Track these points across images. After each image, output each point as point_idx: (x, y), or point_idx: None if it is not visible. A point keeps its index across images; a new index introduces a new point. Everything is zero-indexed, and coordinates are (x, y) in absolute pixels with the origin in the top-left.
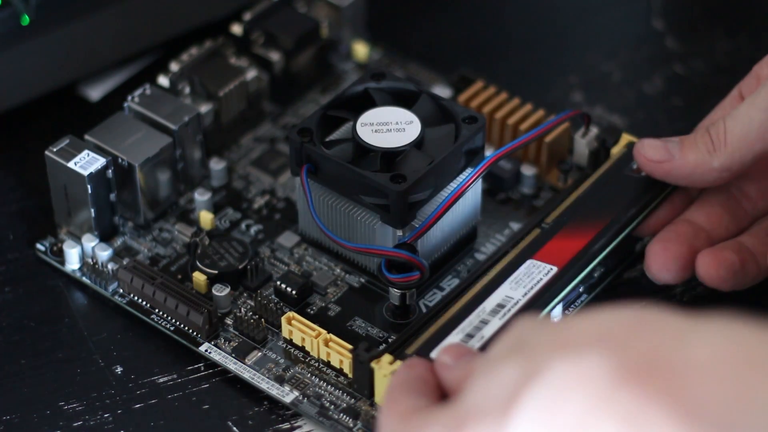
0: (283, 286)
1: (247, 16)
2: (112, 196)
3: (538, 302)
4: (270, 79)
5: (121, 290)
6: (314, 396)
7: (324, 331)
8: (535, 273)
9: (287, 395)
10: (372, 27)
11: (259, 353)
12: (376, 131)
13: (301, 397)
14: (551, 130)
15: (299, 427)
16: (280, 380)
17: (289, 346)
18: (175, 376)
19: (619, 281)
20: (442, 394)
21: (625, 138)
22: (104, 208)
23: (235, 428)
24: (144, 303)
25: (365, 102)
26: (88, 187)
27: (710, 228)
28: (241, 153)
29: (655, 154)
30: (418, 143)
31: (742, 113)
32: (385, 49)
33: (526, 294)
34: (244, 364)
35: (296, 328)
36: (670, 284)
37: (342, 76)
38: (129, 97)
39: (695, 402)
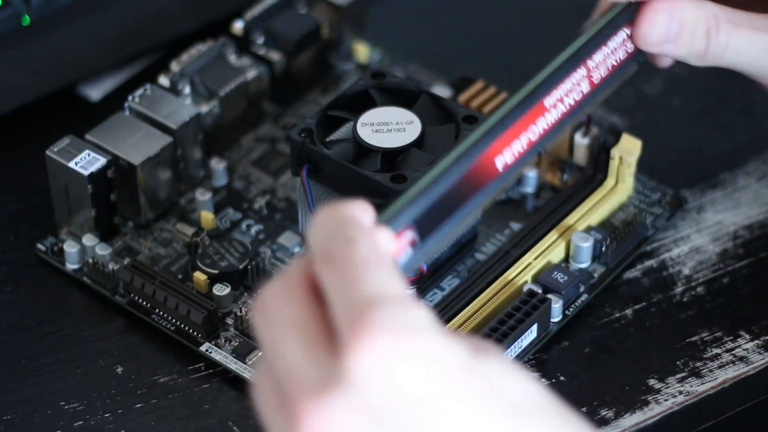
0: None
1: (248, 16)
2: (113, 196)
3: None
4: (271, 79)
5: (122, 290)
6: None
7: None
8: None
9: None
10: (372, 27)
11: (260, 353)
12: (376, 131)
13: None
14: None
15: None
16: None
17: None
18: (175, 376)
19: (619, 281)
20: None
21: (626, 138)
22: (105, 208)
23: (235, 428)
24: (144, 303)
25: (365, 102)
26: (89, 187)
27: None
28: (242, 153)
29: (656, 39)
30: (418, 143)
31: (745, 36)
32: (386, 49)
33: None
34: (245, 364)
35: None
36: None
37: (342, 76)
38: (129, 97)
39: None
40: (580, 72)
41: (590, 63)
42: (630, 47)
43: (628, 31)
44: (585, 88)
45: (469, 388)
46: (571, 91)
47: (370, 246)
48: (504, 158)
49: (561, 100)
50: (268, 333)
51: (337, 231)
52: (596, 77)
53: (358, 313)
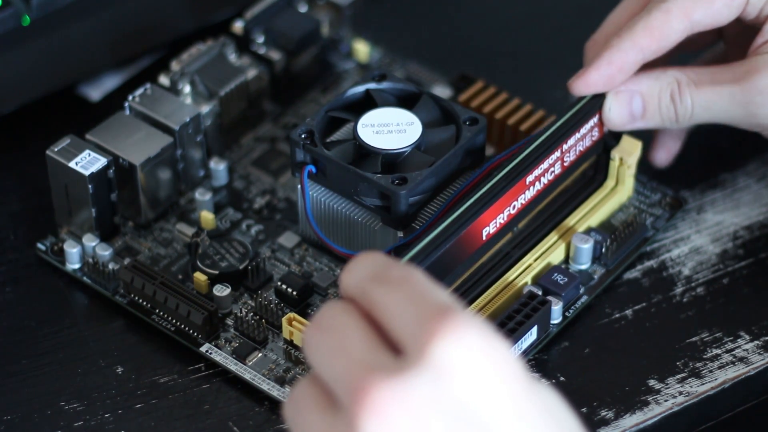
0: (284, 286)
1: (248, 15)
2: (113, 196)
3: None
4: (271, 79)
5: (122, 290)
6: None
7: None
8: None
9: (288, 396)
10: (372, 27)
11: (260, 354)
12: (377, 132)
13: None
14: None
15: None
16: (280, 381)
17: (289, 347)
18: (175, 376)
19: (619, 281)
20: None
21: (626, 139)
22: (105, 207)
23: (235, 428)
24: (144, 303)
25: (366, 103)
26: (89, 186)
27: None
28: (242, 153)
29: (620, 121)
30: (418, 145)
31: (708, 92)
32: (386, 48)
33: None
34: (245, 365)
35: (297, 329)
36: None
37: (343, 75)
38: (130, 97)
39: None
40: (556, 154)
41: (564, 146)
42: (596, 135)
43: (596, 119)
44: (557, 170)
45: (532, 405)
46: (547, 170)
47: (423, 274)
48: (488, 229)
49: (538, 179)
50: (327, 338)
51: (390, 262)
52: (567, 161)
53: (438, 313)
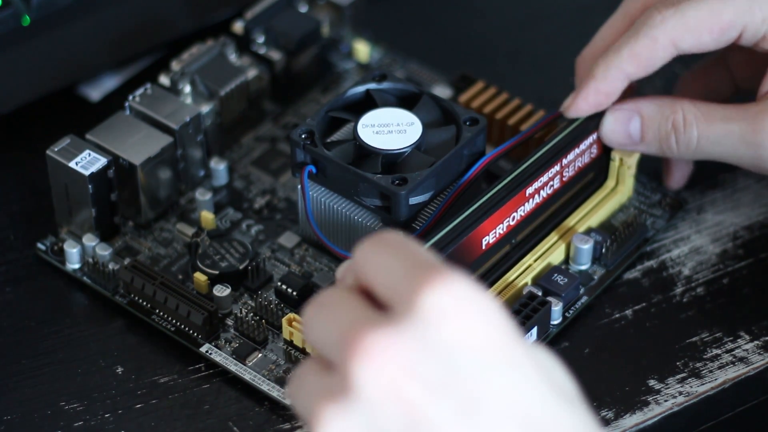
0: (284, 287)
1: (248, 15)
2: (113, 196)
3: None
4: (271, 79)
5: (122, 290)
6: None
7: None
8: None
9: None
10: (373, 26)
11: (260, 354)
12: (377, 132)
13: None
14: (546, 127)
15: (299, 427)
16: (280, 382)
17: (289, 348)
18: (175, 376)
19: (619, 281)
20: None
21: None
22: (105, 207)
23: (235, 428)
24: (144, 303)
25: (366, 103)
26: (89, 186)
27: None
28: (242, 152)
29: (615, 138)
30: (419, 145)
31: (718, 128)
32: (386, 48)
33: None
34: (245, 365)
35: (297, 330)
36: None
37: (343, 75)
38: (130, 97)
39: None
40: (555, 168)
41: (564, 161)
42: (594, 152)
43: (595, 136)
44: (556, 184)
45: (522, 359)
46: (546, 184)
47: (414, 240)
48: (488, 238)
49: (538, 192)
50: (323, 310)
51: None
52: (566, 176)
53: (426, 268)
